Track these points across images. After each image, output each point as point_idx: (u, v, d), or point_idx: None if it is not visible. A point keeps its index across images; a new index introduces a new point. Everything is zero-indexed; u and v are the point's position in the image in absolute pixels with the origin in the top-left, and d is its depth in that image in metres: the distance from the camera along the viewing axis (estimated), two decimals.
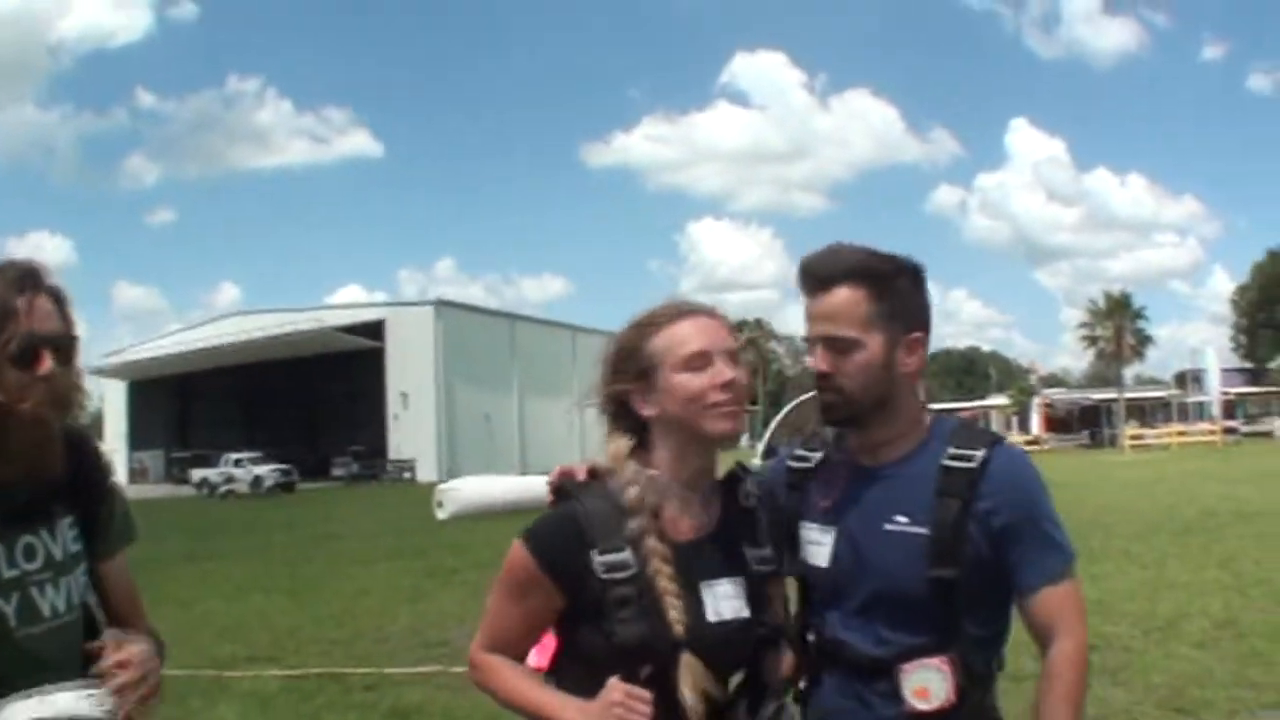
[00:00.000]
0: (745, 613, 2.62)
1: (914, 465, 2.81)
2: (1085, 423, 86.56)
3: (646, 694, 2.43)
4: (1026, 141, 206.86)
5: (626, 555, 2.53)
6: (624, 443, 2.66)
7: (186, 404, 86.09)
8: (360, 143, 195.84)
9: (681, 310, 2.66)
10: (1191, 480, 34.02)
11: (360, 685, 9.75)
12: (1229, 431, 72.33)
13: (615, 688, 2.44)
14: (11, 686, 2.28)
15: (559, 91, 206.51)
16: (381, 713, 8.70)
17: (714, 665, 2.56)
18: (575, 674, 2.60)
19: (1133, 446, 67.78)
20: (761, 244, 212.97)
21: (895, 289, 2.80)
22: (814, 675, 2.91)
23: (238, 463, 61.90)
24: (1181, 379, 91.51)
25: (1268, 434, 75.30)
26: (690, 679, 2.50)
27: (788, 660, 2.78)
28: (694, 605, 2.56)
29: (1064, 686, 2.68)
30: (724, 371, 2.56)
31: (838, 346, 2.77)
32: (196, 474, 64.71)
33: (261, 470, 60.57)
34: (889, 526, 2.75)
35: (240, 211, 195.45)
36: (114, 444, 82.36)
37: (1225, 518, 21.62)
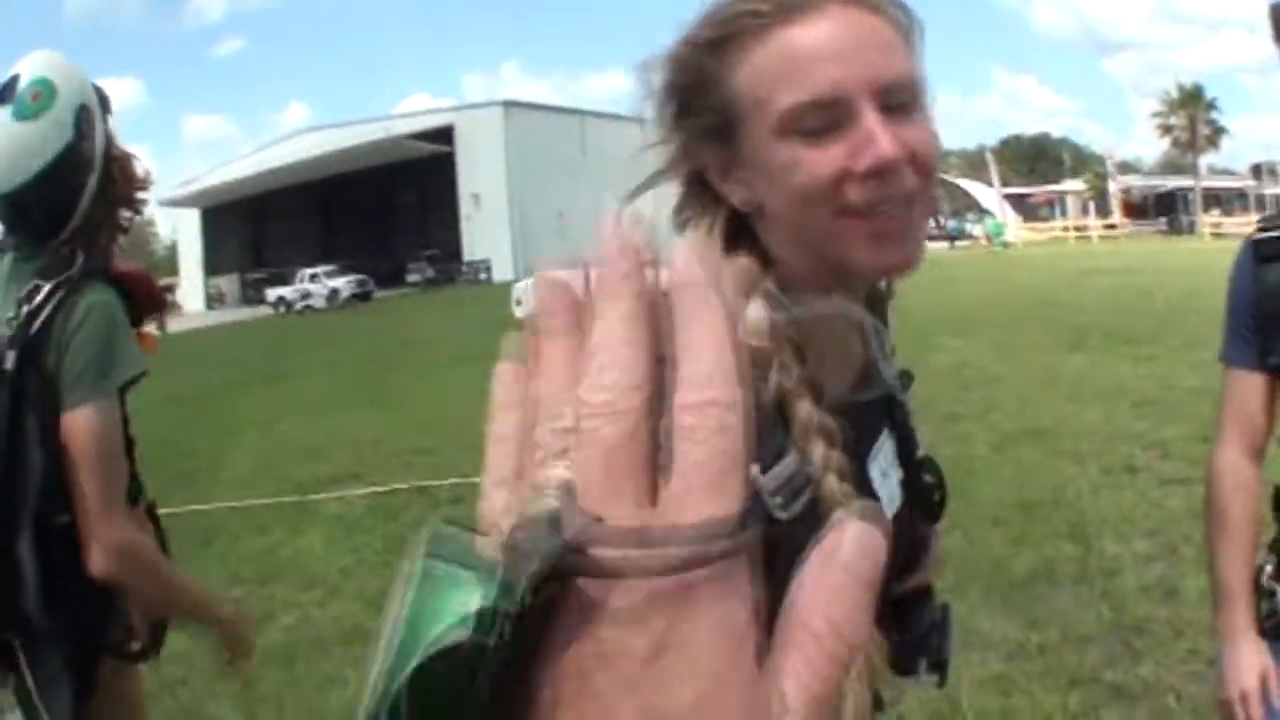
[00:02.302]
0: (900, 485, 1.59)
1: None
2: (1161, 210, 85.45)
3: None
4: None
5: (791, 461, 1.27)
6: (709, 231, 1.43)
7: (260, 225, 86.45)
8: None
9: (802, 2, 1.35)
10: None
11: (447, 498, 9.59)
12: None
13: None
14: None
15: None
16: (472, 523, 8.45)
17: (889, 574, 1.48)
18: None
19: (1213, 234, 66.44)
20: None
21: None
22: None
23: (313, 278, 62.21)
24: (1257, 170, 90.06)
25: None
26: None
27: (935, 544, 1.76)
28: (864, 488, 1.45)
29: None
30: (875, 140, 1.30)
31: None
32: (272, 293, 65.06)
33: (337, 283, 60.82)
34: None
35: (303, 31, 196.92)
36: (190, 272, 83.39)
37: None
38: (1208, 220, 71.86)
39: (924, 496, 1.63)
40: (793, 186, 1.33)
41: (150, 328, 2.83)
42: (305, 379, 21.82)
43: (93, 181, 2.64)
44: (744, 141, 1.38)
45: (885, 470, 1.53)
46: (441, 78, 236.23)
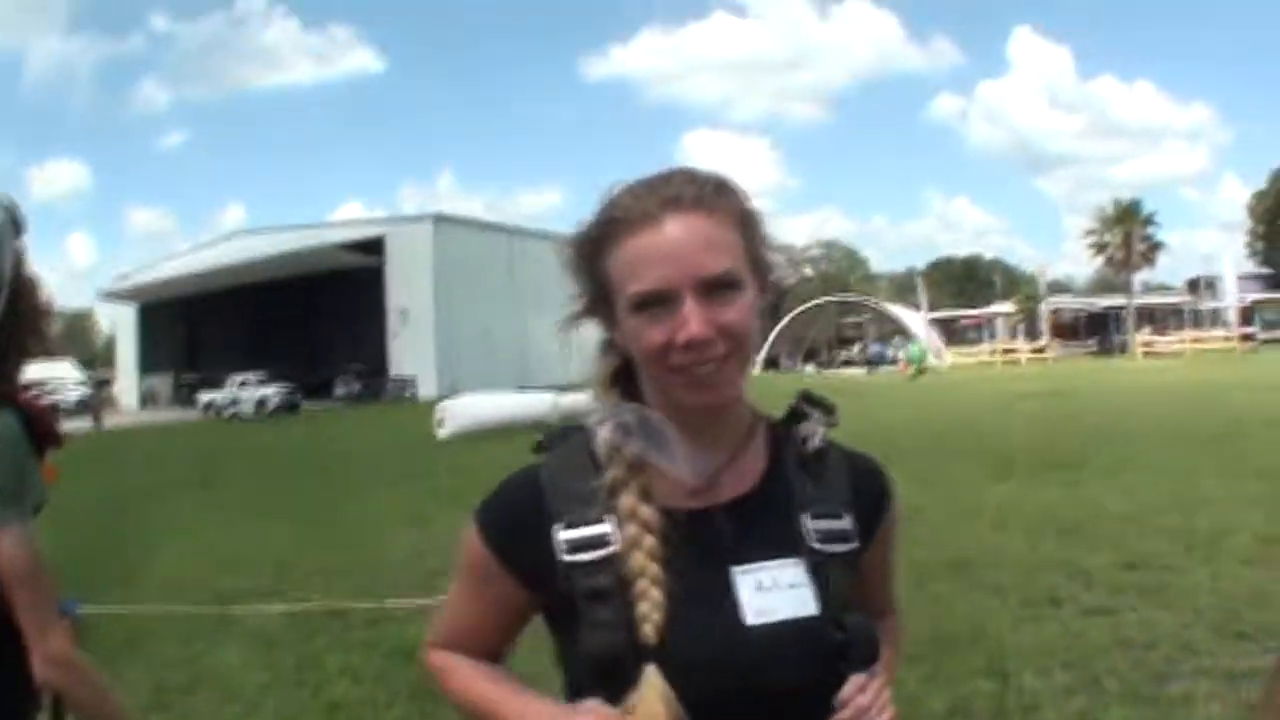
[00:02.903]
0: (811, 608, 1.82)
1: None
2: (1093, 330, 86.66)
3: None
4: (1029, 50, 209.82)
5: (604, 529, 1.81)
6: (607, 366, 1.98)
7: (194, 326, 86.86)
8: (364, 60, 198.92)
9: (647, 211, 1.79)
10: (1213, 387, 33.43)
11: (362, 621, 9.57)
12: (1247, 338, 71.78)
13: (590, 711, 1.75)
14: None
15: (557, 4, 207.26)
16: (383, 652, 8.47)
17: (760, 692, 1.78)
18: (571, 689, 1.89)
19: (1145, 354, 67.37)
20: (759, 154, 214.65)
21: None
22: None
23: (242, 384, 62.64)
24: (1194, 285, 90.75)
25: None
26: (648, 709, 1.72)
27: (874, 691, 1.84)
28: (723, 602, 1.80)
29: None
30: (688, 323, 1.75)
31: None
32: (203, 397, 65.57)
33: (266, 391, 61.32)
34: None
35: (248, 131, 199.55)
36: (126, 368, 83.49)
37: (1255, 426, 20.89)
38: (1140, 339, 72.70)
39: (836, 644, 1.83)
40: (639, 349, 1.82)
41: (48, 460, 2.79)
42: (231, 487, 21.89)
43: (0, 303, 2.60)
44: (615, 310, 1.85)
45: (765, 585, 1.81)
46: (376, 186, 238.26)
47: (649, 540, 1.78)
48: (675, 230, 1.76)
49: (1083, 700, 6.62)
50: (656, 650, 1.72)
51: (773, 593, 1.81)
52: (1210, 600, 8.46)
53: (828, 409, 2.00)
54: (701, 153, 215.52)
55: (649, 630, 1.73)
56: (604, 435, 1.85)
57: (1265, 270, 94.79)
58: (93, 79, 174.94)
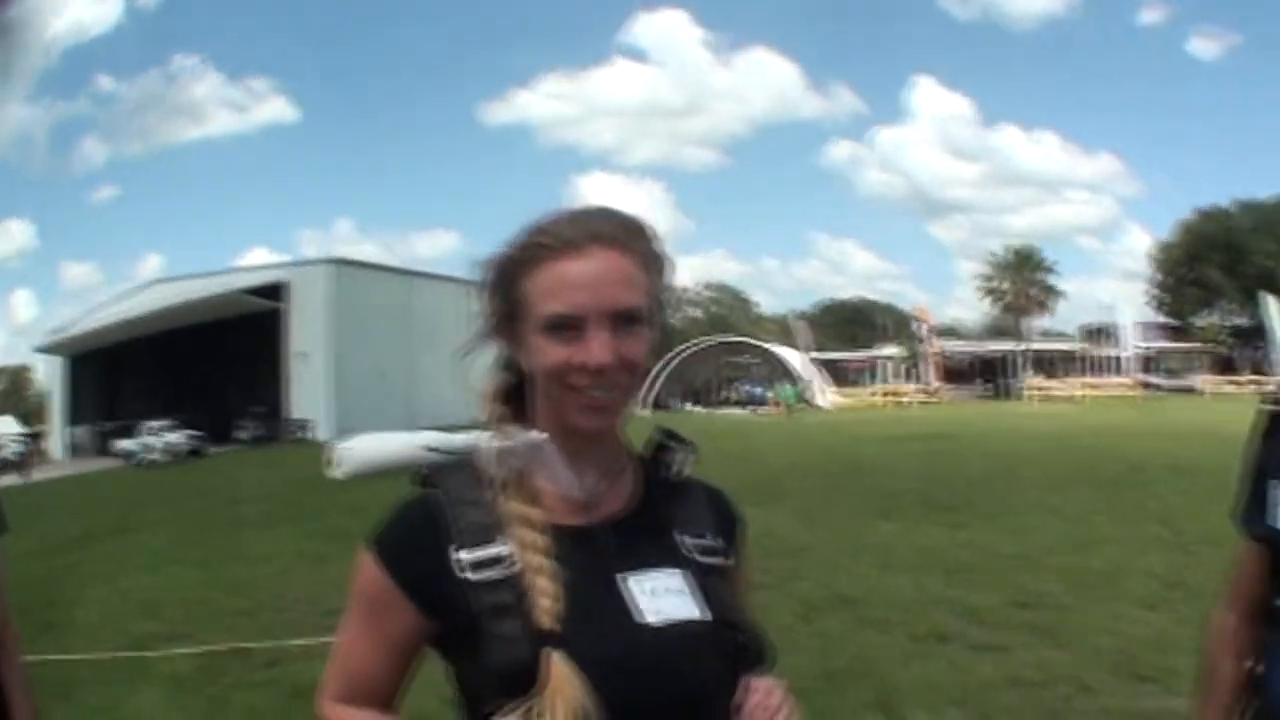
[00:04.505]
0: (698, 612, 1.93)
1: None
2: (984, 374, 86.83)
3: None
4: (930, 98, 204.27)
5: (501, 549, 1.88)
6: (496, 382, 2.08)
7: (114, 376, 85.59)
8: (279, 109, 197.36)
9: (572, 241, 1.93)
10: (1113, 434, 33.41)
11: (263, 661, 9.79)
12: (1147, 386, 72.29)
13: None
14: None
15: (461, 53, 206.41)
16: (284, 691, 8.69)
17: (665, 691, 1.85)
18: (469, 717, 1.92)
19: (1039, 399, 67.73)
20: (652, 197, 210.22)
21: None
22: (1273, 654, 2.47)
23: (152, 431, 61.76)
24: (1091, 332, 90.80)
25: (1190, 389, 73.46)
26: (558, 694, 1.76)
27: (780, 696, 1.98)
28: (616, 606, 1.89)
29: None
30: (590, 349, 1.88)
31: None
32: (118, 445, 64.49)
33: (174, 437, 60.36)
34: None
35: (170, 184, 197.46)
36: (56, 420, 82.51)
37: (1157, 472, 20.87)
38: (1033, 384, 73.09)
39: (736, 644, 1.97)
40: (542, 366, 1.92)
41: None
42: (145, 534, 21.81)
43: None
44: (524, 328, 1.96)
45: (655, 590, 1.92)
46: (280, 232, 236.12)
47: (541, 554, 1.86)
48: (596, 262, 1.90)
49: None
50: (559, 641, 1.78)
51: (664, 597, 1.92)
52: (1110, 641, 8.50)
53: (686, 443, 2.16)
54: (596, 195, 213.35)
55: (546, 620, 1.79)
56: (494, 458, 1.96)
57: (1168, 320, 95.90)
58: (46, 141, 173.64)
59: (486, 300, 2.05)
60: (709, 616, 1.93)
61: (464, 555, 1.88)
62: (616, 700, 1.79)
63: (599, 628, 1.85)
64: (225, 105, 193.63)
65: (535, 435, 1.99)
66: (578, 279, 1.91)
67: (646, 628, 1.87)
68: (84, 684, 9.34)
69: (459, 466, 2.03)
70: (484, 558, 1.88)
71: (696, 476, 2.19)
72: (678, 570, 1.98)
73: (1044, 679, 7.65)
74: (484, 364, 2.11)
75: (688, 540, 2.03)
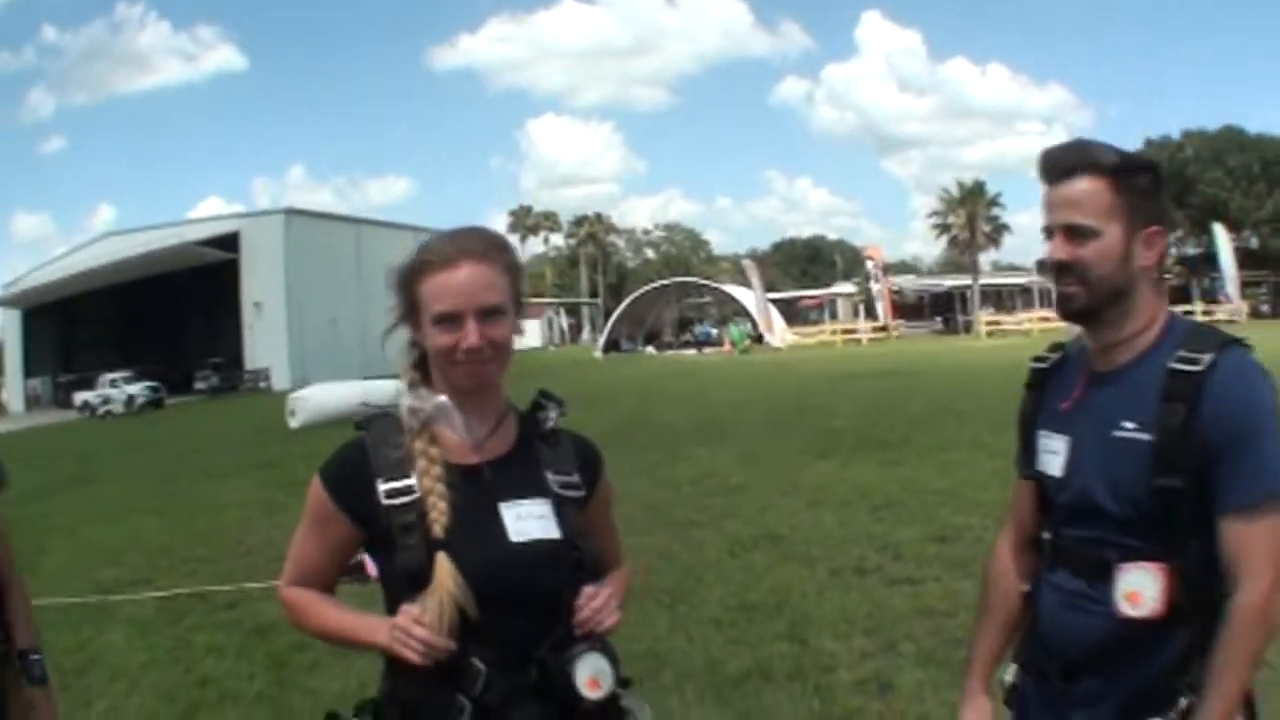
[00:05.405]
0: (555, 533, 2.66)
1: (1144, 369, 2.69)
2: (938, 309, 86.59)
3: (424, 624, 2.50)
4: (878, 33, 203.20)
5: (410, 481, 2.62)
6: (408, 359, 2.82)
7: (70, 328, 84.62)
8: (228, 57, 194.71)
9: (449, 257, 2.65)
10: None
11: (224, 604, 10.28)
12: None
13: (403, 612, 2.52)
14: None
15: None
16: (245, 630, 9.17)
17: (523, 591, 2.60)
18: (389, 604, 2.67)
19: (989, 333, 67.48)
20: (602, 138, 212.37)
21: (1135, 184, 2.70)
22: (1040, 578, 2.91)
23: (113, 383, 61.25)
24: (1042, 264, 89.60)
25: None
26: (441, 585, 2.52)
27: (605, 598, 2.68)
28: (492, 525, 2.63)
29: (1236, 645, 2.51)
30: (470, 336, 2.59)
31: (1078, 234, 2.69)
32: (78, 397, 63.86)
33: (133, 389, 59.91)
34: (1117, 433, 2.65)
35: (120, 134, 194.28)
36: (13, 372, 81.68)
37: None
38: (984, 319, 72.60)
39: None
40: (434, 347, 2.66)
41: None
42: (106, 484, 22.30)
43: None
44: (421, 319, 2.67)
45: (522, 516, 2.66)
46: (233, 182, 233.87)
47: (438, 483, 2.61)
48: (466, 273, 2.61)
49: (879, 663, 7.01)
50: (445, 548, 2.54)
51: (528, 521, 2.65)
52: None
53: (559, 402, 2.89)
54: (546, 138, 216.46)
55: (438, 530, 2.56)
56: (407, 411, 2.69)
57: None
58: None
59: (396, 299, 2.75)
60: (560, 536, 2.67)
61: (385, 486, 2.62)
62: (488, 595, 2.55)
63: (478, 542, 2.60)
64: (173, 54, 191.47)
65: (441, 398, 2.70)
66: (454, 286, 2.62)
67: (511, 544, 2.62)
68: (51, 626, 9.37)
69: (385, 416, 2.77)
70: (397, 487, 2.62)
71: (570, 430, 2.91)
72: (542, 500, 2.70)
73: (950, 608, 7.92)
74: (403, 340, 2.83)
75: (554, 477, 2.75)
